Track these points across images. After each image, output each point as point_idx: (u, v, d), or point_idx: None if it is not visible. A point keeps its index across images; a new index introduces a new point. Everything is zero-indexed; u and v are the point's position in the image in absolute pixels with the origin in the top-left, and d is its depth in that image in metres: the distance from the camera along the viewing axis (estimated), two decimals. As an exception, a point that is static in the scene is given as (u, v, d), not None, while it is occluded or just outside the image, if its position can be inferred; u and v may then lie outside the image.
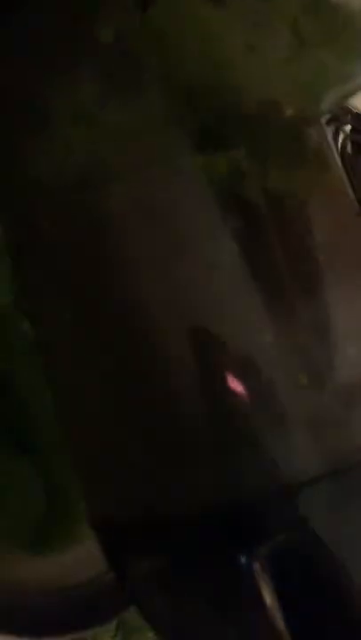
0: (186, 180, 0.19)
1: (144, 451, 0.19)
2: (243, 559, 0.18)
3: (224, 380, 0.18)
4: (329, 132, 0.24)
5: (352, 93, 0.21)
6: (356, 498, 0.18)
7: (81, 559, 0.27)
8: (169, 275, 0.18)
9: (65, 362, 0.20)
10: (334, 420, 0.18)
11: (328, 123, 0.23)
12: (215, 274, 0.18)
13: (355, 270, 0.21)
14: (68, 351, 0.20)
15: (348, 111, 0.29)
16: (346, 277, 0.20)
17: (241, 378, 0.18)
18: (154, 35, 0.19)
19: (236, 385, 0.18)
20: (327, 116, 0.22)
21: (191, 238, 0.19)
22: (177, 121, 0.19)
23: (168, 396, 0.18)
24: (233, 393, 0.18)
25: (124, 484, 0.20)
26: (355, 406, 0.19)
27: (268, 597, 0.17)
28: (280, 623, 0.18)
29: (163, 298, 0.18)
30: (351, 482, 0.18)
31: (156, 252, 0.19)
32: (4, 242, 0.22)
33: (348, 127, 0.30)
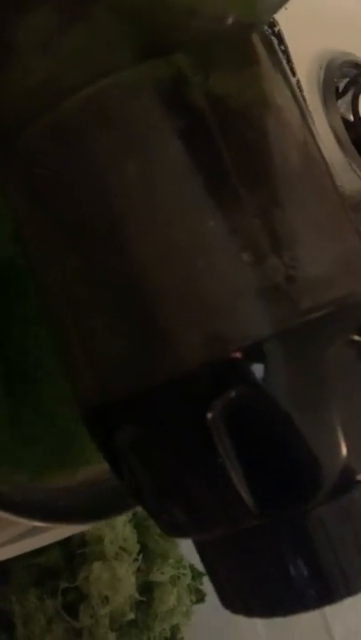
0: (133, 86, 0.21)
1: (115, 332, 0.21)
2: (201, 415, 0.20)
3: (179, 260, 0.20)
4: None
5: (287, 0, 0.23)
6: (300, 355, 0.20)
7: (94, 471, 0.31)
8: (120, 169, 0.21)
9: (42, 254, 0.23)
10: (278, 292, 0.20)
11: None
12: (161, 168, 0.21)
13: (306, 178, 0.22)
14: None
15: None
16: (296, 180, 0.22)
17: (191, 255, 0.20)
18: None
19: (188, 263, 0.20)
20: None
21: (140, 137, 0.21)
22: (122, 38, 0.21)
23: (134, 272, 0.21)
24: (187, 271, 0.20)
25: (98, 367, 0.22)
26: (296, 279, 0.20)
27: (222, 447, 0.19)
28: (235, 472, 0.20)
29: (118, 188, 0.21)
30: (295, 341, 0.20)
31: (110, 149, 0.21)
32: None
33: None
